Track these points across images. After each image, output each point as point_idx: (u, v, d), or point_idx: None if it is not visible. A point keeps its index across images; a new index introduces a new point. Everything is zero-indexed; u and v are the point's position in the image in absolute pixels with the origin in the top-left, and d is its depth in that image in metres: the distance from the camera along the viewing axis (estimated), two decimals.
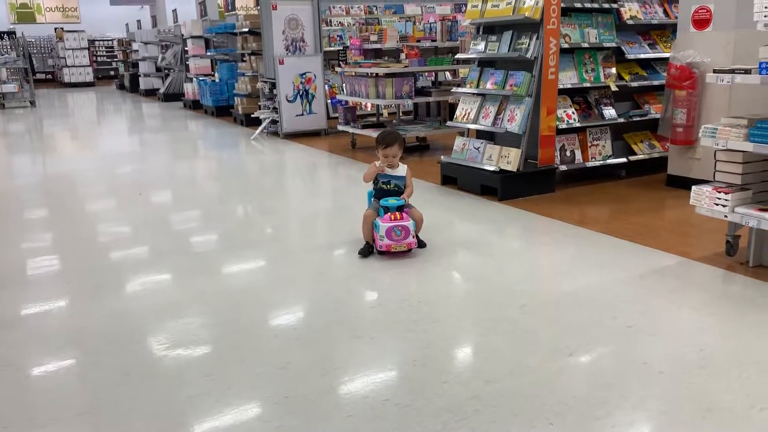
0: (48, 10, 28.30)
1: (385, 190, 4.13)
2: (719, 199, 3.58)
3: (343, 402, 2.41)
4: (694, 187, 3.74)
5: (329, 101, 9.89)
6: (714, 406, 2.30)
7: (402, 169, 4.17)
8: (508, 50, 5.56)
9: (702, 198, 3.69)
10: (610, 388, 2.45)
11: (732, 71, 3.50)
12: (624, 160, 5.99)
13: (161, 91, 17.02)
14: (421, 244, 4.12)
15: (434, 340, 2.89)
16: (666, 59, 5.71)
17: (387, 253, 3.96)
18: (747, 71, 3.42)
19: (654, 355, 2.70)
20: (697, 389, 2.43)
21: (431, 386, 2.49)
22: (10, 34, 19.45)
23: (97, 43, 27.46)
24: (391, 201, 3.97)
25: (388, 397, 2.43)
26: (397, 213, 3.91)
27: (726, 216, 3.56)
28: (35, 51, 27.07)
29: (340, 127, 8.53)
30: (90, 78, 24.09)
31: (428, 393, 2.44)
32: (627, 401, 2.35)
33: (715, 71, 3.59)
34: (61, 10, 28.57)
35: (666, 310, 3.18)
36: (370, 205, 4.17)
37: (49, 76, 27.39)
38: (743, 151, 3.53)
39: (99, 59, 27.44)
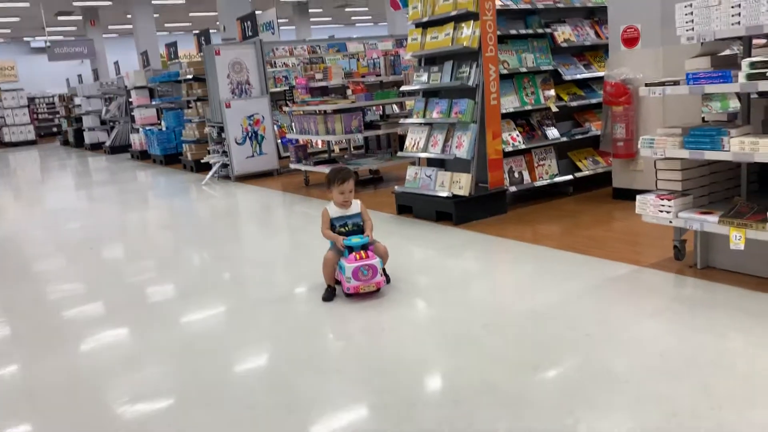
0: None
1: (344, 233, 3.93)
2: (663, 206, 3.72)
3: None
4: (638, 197, 3.87)
5: (279, 141, 9.92)
6: (679, 410, 2.36)
7: (355, 206, 4.01)
8: (451, 79, 5.70)
9: (647, 206, 3.82)
10: (576, 398, 2.49)
11: (662, 84, 3.67)
12: (570, 177, 6.16)
13: (107, 143, 16.76)
14: (386, 279, 3.93)
15: (400, 367, 2.89)
16: (601, 78, 5.95)
17: (355, 295, 3.77)
18: (676, 83, 3.59)
19: (616, 362, 2.76)
20: (660, 394, 2.48)
21: (400, 412, 2.48)
22: None
23: (37, 100, 26.98)
24: (355, 240, 3.79)
25: (357, 428, 2.40)
26: (362, 251, 3.74)
27: (671, 221, 3.69)
28: None
29: (293, 166, 8.55)
30: (32, 136, 23.54)
31: (398, 419, 2.43)
32: (594, 412, 2.39)
33: (647, 85, 3.76)
34: None
35: (622, 317, 3.26)
36: (331, 247, 3.96)
37: None
38: (681, 159, 3.69)
39: (40, 116, 26.92)
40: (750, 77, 3.19)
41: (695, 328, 3.06)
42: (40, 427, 2.68)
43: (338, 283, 3.89)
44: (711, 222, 3.49)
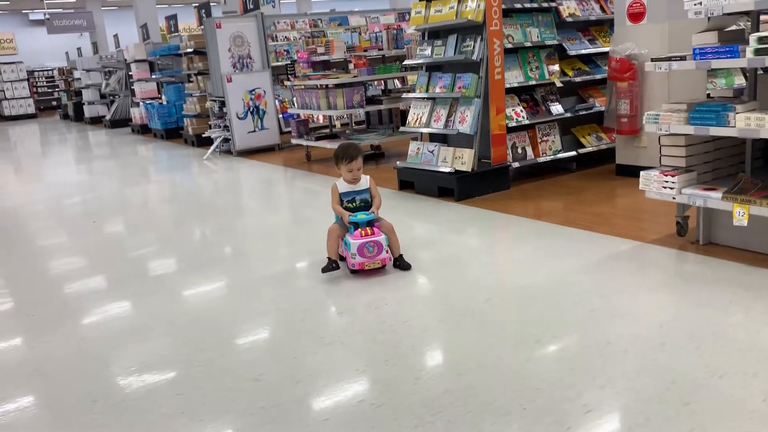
0: None
1: (351, 209, 3.89)
2: (666, 182, 3.72)
3: (318, 407, 2.41)
4: (642, 173, 3.87)
5: (281, 116, 9.88)
6: (677, 379, 2.39)
7: (364, 181, 3.95)
8: (454, 53, 5.66)
9: (650, 182, 3.82)
10: (577, 370, 2.52)
11: (669, 59, 3.64)
12: (574, 153, 6.15)
13: (107, 117, 16.70)
14: (405, 266, 3.81)
15: (403, 340, 2.92)
16: (606, 53, 5.90)
17: (360, 272, 3.74)
18: (682, 58, 3.57)
19: (616, 335, 2.78)
20: (660, 364, 2.51)
21: (404, 384, 2.51)
22: None
23: (36, 73, 26.82)
24: (360, 216, 3.75)
25: (362, 398, 2.44)
26: (367, 228, 3.71)
27: (674, 198, 3.70)
28: None
29: (294, 141, 8.52)
30: (31, 110, 23.44)
31: (402, 391, 2.46)
32: (595, 381, 2.42)
33: (652, 60, 3.74)
34: None
35: (624, 292, 3.28)
36: (336, 220, 3.94)
37: None
38: (685, 135, 3.68)
39: (40, 90, 26.79)
40: (758, 52, 3.17)
41: (696, 302, 3.08)
42: (49, 396, 2.71)
43: (343, 259, 3.89)
44: (714, 198, 3.50)
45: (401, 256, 3.85)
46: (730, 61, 3.33)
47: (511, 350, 2.74)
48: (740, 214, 3.35)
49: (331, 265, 3.79)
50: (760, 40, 3.15)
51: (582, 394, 2.33)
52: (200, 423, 2.37)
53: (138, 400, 2.59)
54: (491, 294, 3.40)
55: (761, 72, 3.71)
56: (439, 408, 2.32)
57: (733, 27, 3.94)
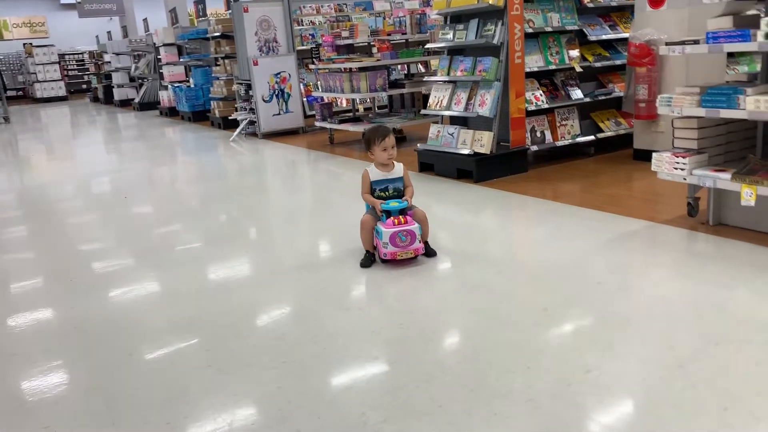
0: (15, 26, 28.03)
1: (384, 198, 3.75)
2: (678, 163, 3.82)
3: (336, 362, 2.59)
4: (654, 154, 3.97)
5: (305, 99, 10.05)
6: (675, 345, 2.52)
7: (398, 169, 3.80)
8: (476, 37, 5.77)
9: (662, 163, 3.92)
10: (581, 336, 2.66)
11: (683, 43, 3.73)
12: (592, 137, 6.23)
13: (136, 100, 17.04)
14: (431, 253, 3.73)
15: (417, 307, 3.08)
16: (626, 39, 5.95)
17: (392, 262, 3.63)
18: (696, 42, 3.65)
19: (622, 306, 2.92)
20: (660, 331, 2.65)
21: (417, 345, 2.68)
22: None
23: (67, 56, 27.31)
24: (393, 204, 3.62)
25: (377, 356, 2.61)
26: (400, 216, 3.58)
27: (684, 178, 3.80)
28: (4, 68, 26.89)
29: (318, 124, 8.70)
30: (62, 92, 23.92)
31: (414, 351, 2.63)
32: (597, 345, 2.57)
33: (667, 44, 3.82)
34: (29, 25, 28.32)
35: (632, 267, 3.40)
36: (367, 210, 3.80)
37: (21, 93, 27.16)
38: (697, 117, 3.77)
39: (70, 73, 27.29)
40: None
41: (701, 278, 3.20)
42: (88, 349, 2.93)
43: (375, 248, 3.78)
44: (724, 179, 3.59)
45: (427, 243, 3.75)
46: (741, 45, 3.41)
47: (518, 317, 2.89)
48: (748, 194, 3.45)
49: (369, 259, 3.67)
50: None
51: (584, 356, 2.48)
52: (226, 375, 2.56)
53: (169, 354, 2.80)
54: (503, 268, 3.55)
55: None
56: (449, 365, 2.49)
57: (751, 12, 4.01)
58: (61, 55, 25.72)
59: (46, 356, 2.89)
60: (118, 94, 18.96)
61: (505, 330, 2.77)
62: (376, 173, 3.78)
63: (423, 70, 10.21)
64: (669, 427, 2.02)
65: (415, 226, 3.58)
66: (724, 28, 3.59)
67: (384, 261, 3.65)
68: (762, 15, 3.72)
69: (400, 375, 2.45)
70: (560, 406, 2.16)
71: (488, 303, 3.07)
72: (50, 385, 2.62)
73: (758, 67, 6.13)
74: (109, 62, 19.62)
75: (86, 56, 25.93)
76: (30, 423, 2.34)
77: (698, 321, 2.72)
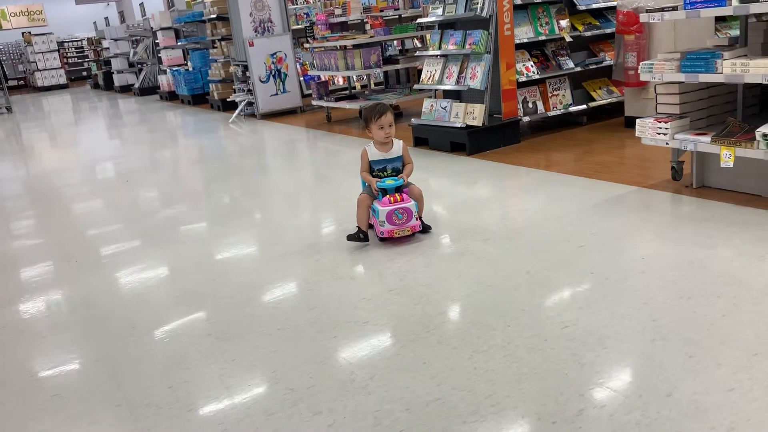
0: (13, 15, 27.98)
1: (382, 177, 3.75)
2: (660, 128, 3.91)
3: (328, 327, 2.73)
4: (638, 120, 4.06)
5: (302, 79, 10.12)
6: (650, 300, 2.65)
7: (397, 147, 3.77)
8: (465, 11, 5.83)
9: (646, 129, 4.01)
10: (560, 295, 2.79)
11: (662, 9, 3.80)
12: (584, 107, 6.30)
13: (136, 85, 17.12)
14: (426, 228, 3.74)
15: (407, 271, 3.22)
16: (615, 7, 6.00)
17: (389, 239, 3.65)
18: (674, 8, 3.72)
19: (601, 266, 3.04)
20: (636, 288, 2.77)
21: (405, 308, 2.81)
22: None
23: (66, 44, 27.37)
24: (389, 182, 3.62)
25: (366, 320, 2.75)
26: (396, 194, 3.58)
27: (667, 143, 3.89)
28: (4, 58, 26.96)
29: (315, 103, 8.79)
30: (63, 80, 24.03)
31: (402, 313, 2.77)
32: (575, 303, 2.70)
33: (647, 11, 3.89)
34: (26, 14, 28.26)
35: (614, 230, 3.52)
36: (364, 189, 3.81)
37: (21, 82, 27.27)
38: (678, 83, 3.85)
39: (70, 60, 27.36)
40: (743, 0, 3.32)
41: (680, 238, 3.32)
42: (95, 321, 3.09)
43: (371, 227, 3.79)
44: (704, 142, 3.69)
45: (421, 218, 3.73)
46: (717, 10, 3.48)
47: (501, 280, 3.02)
48: (727, 156, 3.55)
49: (359, 236, 3.65)
50: None
51: (561, 314, 2.61)
52: (224, 342, 2.71)
53: (171, 324, 2.95)
54: (491, 235, 3.67)
55: (753, 20, 3.85)
56: (434, 326, 2.62)
57: None
58: (60, 43, 25.78)
59: (53, 331, 3.05)
60: (118, 80, 19.05)
61: (489, 292, 2.90)
62: (374, 153, 3.75)
63: (419, 45, 10.26)
64: (637, 375, 2.15)
65: (411, 204, 3.56)
66: None
67: (381, 239, 3.66)
68: None
69: (388, 336, 2.59)
70: (537, 359, 2.30)
71: (474, 269, 3.20)
72: (58, 357, 2.78)
73: None
74: (108, 48, 19.69)
75: (85, 43, 26.02)
76: (39, 392, 2.49)
77: (674, 278, 2.84)
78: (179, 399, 2.32)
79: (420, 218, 3.72)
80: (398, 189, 3.63)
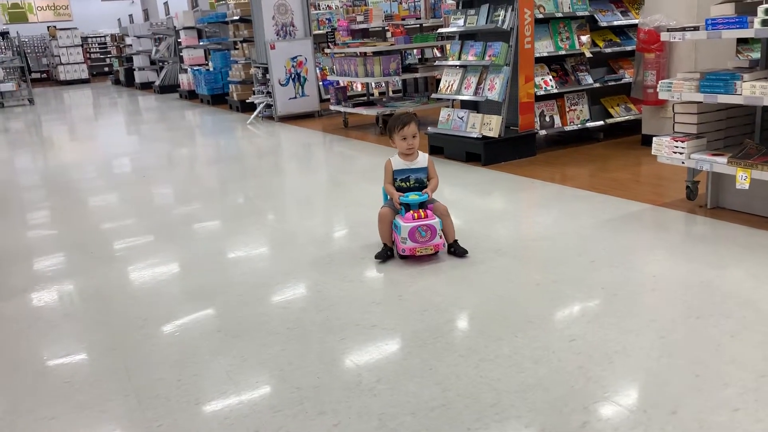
0: (39, 9, 28.47)
1: (404, 189, 3.56)
2: (677, 147, 3.91)
3: (337, 329, 2.75)
4: (655, 138, 4.06)
5: (321, 83, 10.19)
6: (659, 318, 2.65)
7: (422, 159, 3.59)
8: (486, 23, 5.86)
9: (662, 147, 4.01)
10: (569, 308, 2.80)
11: (683, 29, 3.81)
12: (601, 123, 6.30)
13: (157, 83, 17.29)
14: (461, 253, 3.49)
15: (417, 278, 3.23)
16: (637, 25, 6.00)
17: (411, 257, 3.46)
18: (695, 28, 3.73)
19: (611, 282, 3.05)
20: (645, 306, 2.77)
21: (413, 314, 2.83)
22: (4, 34, 19.67)
23: (90, 39, 27.70)
24: (412, 196, 3.42)
25: (375, 324, 2.77)
26: (420, 210, 3.38)
27: (683, 162, 3.89)
28: (29, 50, 27.29)
29: (333, 107, 8.84)
30: (85, 75, 24.31)
31: (411, 319, 2.79)
32: (584, 317, 2.70)
33: (668, 30, 3.90)
34: (53, 8, 28.74)
35: (626, 247, 3.52)
36: (385, 203, 3.62)
37: (44, 75, 27.62)
38: (697, 102, 3.85)
39: (93, 56, 27.68)
40: (765, 23, 3.33)
41: (692, 257, 3.31)
42: (107, 314, 3.13)
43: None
44: (720, 163, 3.68)
45: (456, 241, 3.53)
46: (739, 32, 3.49)
47: (511, 291, 3.03)
48: (743, 177, 3.54)
49: (386, 252, 3.50)
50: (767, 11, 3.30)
51: (569, 327, 2.62)
52: (234, 339, 2.74)
53: (182, 319, 2.98)
54: (503, 246, 3.68)
55: None
56: (442, 333, 2.64)
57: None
58: (84, 38, 26.10)
59: (66, 320, 3.09)
60: (139, 77, 19.25)
61: (499, 302, 2.91)
62: (398, 162, 3.58)
63: (439, 55, 10.30)
64: (642, 391, 2.16)
65: (435, 221, 3.36)
66: (725, 15, 3.66)
67: (402, 257, 3.47)
68: (763, 1, 3.78)
69: (395, 341, 2.61)
70: (543, 370, 2.31)
71: (485, 278, 3.21)
72: (70, 345, 2.82)
73: None
74: (131, 45, 19.91)
75: (108, 39, 26.31)
76: (52, 378, 2.54)
77: (683, 297, 2.84)
78: (187, 392, 2.35)
79: (455, 241, 3.53)
80: (422, 204, 3.43)
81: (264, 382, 2.38)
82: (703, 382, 2.17)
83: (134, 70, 19.64)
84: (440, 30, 6.92)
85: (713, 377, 2.19)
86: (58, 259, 4.07)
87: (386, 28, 8.37)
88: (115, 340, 2.84)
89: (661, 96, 3.94)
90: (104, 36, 27.49)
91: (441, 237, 3.43)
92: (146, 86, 18.81)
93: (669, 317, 2.65)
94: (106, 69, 26.75)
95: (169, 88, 16.65)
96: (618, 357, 2.36)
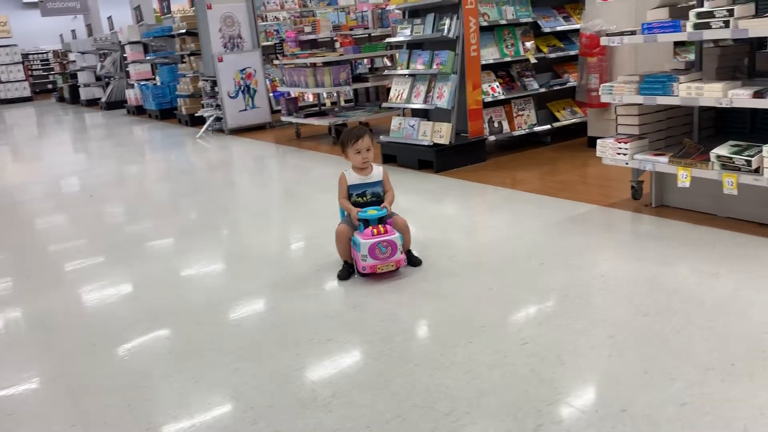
0: None
1: (361, 204, 3.47)
2: (620, 148, 4.01)
3: (291, 345, 2.72)
4: (599, 141, 4.16)
5: (271, 95, 10.12)
6: (607, 317, 2.70)
7: (378, 172, 3.52)
8: (432, 32, 5.92)
9: (606, 149, 4.11)
10: (521, 312, 2.83)
11: (621, 33, 3.92)
12: (548, 127, 6.42)
13: (103, 99, 16.89)
14: (416, 262, 3.48)
15: (371, 288, 3.22)
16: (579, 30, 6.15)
17: (372, 275, 3.33)
18: (633, 32, 3.84)
19: (562, 283, 3.10)
20: (595, 305, 2.83)
21: (368, 325, 2.83)
22: None
23: (31, 56, 26.88)
24: (371, 212, 3.32)
25: (330, 338, 2.75)
26: (379, 226, 3.29)
27: (627, 163, 3.99)
28: None
29: (284, 119, 8.78)
30: (27, 93, 23.58)
31: (365, 330, 2.78)
32: (535, 320, 2.74)
33: (607, 35, 4.01)
34: None
35: (575, 248, 3.59)
36: (343, 219, 3.53)
37: None
38: (637, 104, 3.96)
39: (35, 73, 26.87)
40: (696, 26, 3.45)
41: (638, 256, 3.40)
42: (53, 339, 3.02)
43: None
44: (662, 162, 3.79)
45: (410, 251, 3.52)
46: (673, 35, 3.61)
47: (465, 297, 3.05)
48: (683, 176, 3.65)
49: (347, 271, 3.41)
50: (699, 15, 3.43)
51: (522, 330, 2.65)
52: (186, 360, 2.68)
53: (132, 342, 2.90)
54: (456, 252, 3.71)
55: (709, 45, 3.99)
56: (396, 343, 2.63)
57: (684, 4, 4.21)
58: (25, 55, 25.34)
59: (9, 349, 2.98)
60: (84, 94, 18.76)
61: (452, 309, 2.93)
62: (353, 177, 3.49)
63: (389, 64, 10.35)
64: (593, 391, 2.19)
65: (395, 236, 3.28)
66: (660, 19, 3.78)
67: (362, 275, 3.34)
68: (695, 5, 3.92)
69: (350, 354, 2.60)
70: (497, 375, 2.33)
71: (439, 285, 3.22)
72: (14, 376, 2.71)
73: None
74: (75, 61, 19.41)
75: (51, 56, 25.60)
76: None
77: (631, 295, 2.91)
78: (138, 418, 2.28)
79: (409, 250, 3.50)
80: (381, 220, 3.33)
81: (217, 403, 2.34)
82: (651, 379, 2.22)
83: (79, 86, 19.13)
84: (389, 39, 6.96)
85: (661, 373, 2.24)
86: (2, 284, 3.92)
87: (335, 38, 8.38)
88: (62, 367, 2.74)
89: (603, 99, 4.04)
90: (46, 52, 26.74)
91: (402, 253, 3.35)
92: (92, 103, 18.34)
93: (618, 316, 2.70)
94: (50, 86, 26.01)
95: (116, 104, 16.28)
96: (570, 358, 2.40)
